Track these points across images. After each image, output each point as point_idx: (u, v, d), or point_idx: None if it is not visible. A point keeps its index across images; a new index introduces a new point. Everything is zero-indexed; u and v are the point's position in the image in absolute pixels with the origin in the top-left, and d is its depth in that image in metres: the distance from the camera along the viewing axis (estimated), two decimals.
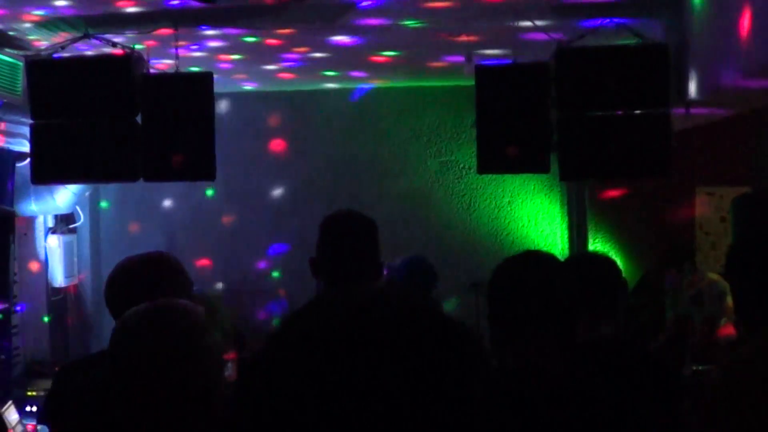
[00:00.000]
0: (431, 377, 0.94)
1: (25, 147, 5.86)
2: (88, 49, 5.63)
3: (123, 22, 5.23)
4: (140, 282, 2.73)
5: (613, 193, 7.62)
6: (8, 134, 6.16)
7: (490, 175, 7.53)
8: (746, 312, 2.82)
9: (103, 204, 8.26)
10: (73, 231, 7.76)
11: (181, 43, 5.47)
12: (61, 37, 5.43)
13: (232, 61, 6.61)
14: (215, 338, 2.00)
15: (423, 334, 0.97)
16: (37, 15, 5.09)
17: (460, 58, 6.02)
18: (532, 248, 7.90)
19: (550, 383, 2.43)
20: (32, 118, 5.44)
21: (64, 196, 7.06)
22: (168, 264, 2.88)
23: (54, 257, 7.38)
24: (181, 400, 1.88)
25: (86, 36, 5.36)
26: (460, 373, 0.96)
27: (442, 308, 2.66)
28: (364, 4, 4.90)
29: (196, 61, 6.39)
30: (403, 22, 5.35)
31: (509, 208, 8.01)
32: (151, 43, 5.59)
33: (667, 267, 6.65)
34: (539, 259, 2.66)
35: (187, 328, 1.94)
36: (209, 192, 8.08)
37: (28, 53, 5.65)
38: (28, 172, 5.67)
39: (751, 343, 2.72)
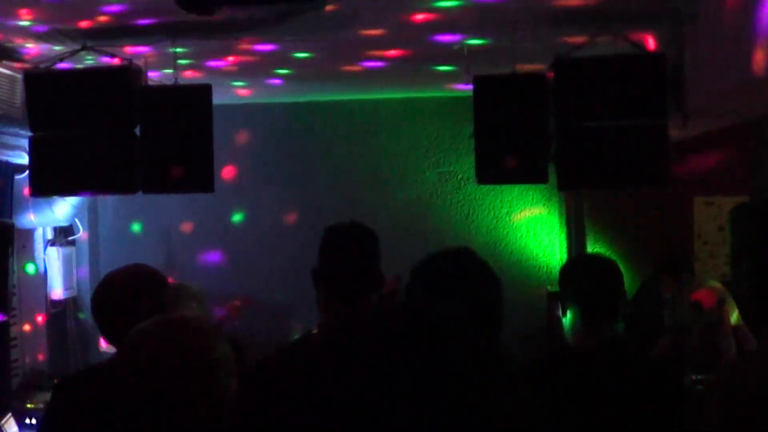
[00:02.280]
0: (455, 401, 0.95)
1: (23, 159, 5.87)
2: (86, 62, 5.64)
3: (121, 34, 5.24)
4: (124, 297, 2.73)
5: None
6: (7, 147, 6.17)
7: (488, 186, 7.54)
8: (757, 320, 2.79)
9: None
10: (72, 243, 7.76)
11: (179, 54, 5.48)
12: (59, 49, 5.44)
13: (230, 73, 6.62)
14: (226, 350, 1.99)
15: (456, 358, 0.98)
16: (35, 27, 5.10)
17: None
18: (530, 258, 7.92)
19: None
20: (31, 131, 5.45)
21: (63, 209, 7.06)
22: (149, 275, 2.87)
23: (53, 269, 7.37)
24: (194, 412, 1.87)
25: (84, 48, 5.37)
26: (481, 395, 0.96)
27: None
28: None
29: (194, 72, 6.40)
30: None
31: (508, 219, 8.01)
32: (149, 55, 5.59)
33: (663, 276, 6.66)
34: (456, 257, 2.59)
35: (200, 341, 1.93)
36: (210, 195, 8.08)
37: (27, 66, 5.66)
38: (26, 185, 5.67)
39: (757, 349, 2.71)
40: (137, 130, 5.43)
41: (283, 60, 6.18)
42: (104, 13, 4.83)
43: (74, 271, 7.66)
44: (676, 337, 6.10)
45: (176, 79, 5.57)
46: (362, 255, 3.03)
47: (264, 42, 5.57)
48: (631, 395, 3.14)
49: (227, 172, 7.87)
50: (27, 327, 7.21)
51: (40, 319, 7.38)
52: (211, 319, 2.07)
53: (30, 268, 7.33)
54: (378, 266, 3.05)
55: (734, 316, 6.09)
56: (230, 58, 6.11)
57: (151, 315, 2.18)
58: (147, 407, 1.88)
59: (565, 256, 7.80)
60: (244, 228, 8.15)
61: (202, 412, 1.89)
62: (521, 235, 7.98)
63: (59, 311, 7.58)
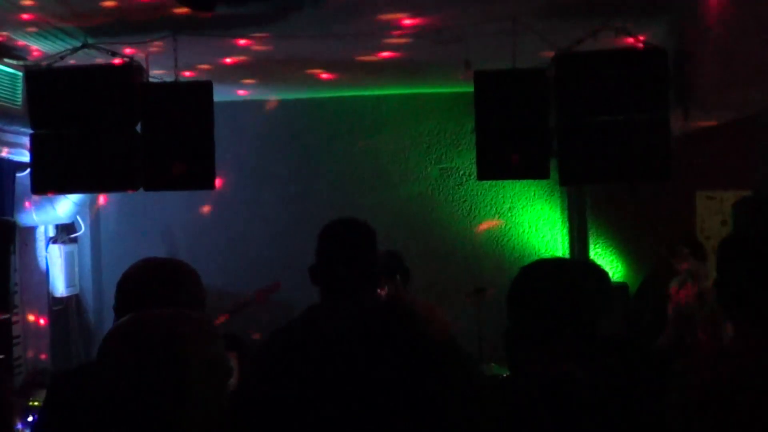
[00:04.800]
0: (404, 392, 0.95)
1: (25, 157, 5.87)
2: (88, 59, 5.64)
3: (122, 31, 5.23)
4: (150, 287, 2.67)
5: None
6: (8, 144, 6.16)
7: (490, 182, 7.53)
8: (732, 309, 2.81)
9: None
10: (74, 240, 7.76)
11: (180, 51, 5.48)
12: (60, 46, 5.43)
13: (232, 69, 6.62)
14: (218, 348, 1.94)
15: (402, 354, 0.99)
16: (37, 25, 5.10)
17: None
18: (532, 254, 7.91)
19: (580, 389, 2.45)
20: (32, 128, 5.45)
21: (65, 206, 7.06)
22: (182, 273, 2.79)
23: (55, 267, 7.38)
24: (177, 408, 1.84)
25: (86, 46, 5.37)
26: (430, 386, 0.97)
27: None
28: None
29: (195, 68, 6.40)
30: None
31: (510, 214, 8.01)
32: (150, 52, 5.59)
33: (681, 246, 6.46)
34: (560, 264, 2.79)
35: (184, 338, 1.89)
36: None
37: (28, 63, 5.65)
38: (28, 182, 5.67)
39: (737, 345, 2.71)
40: (138, 128, 5.42)
41: (286, 57, 6.18)
42: (105, 10, 4.83)
43: (76, 269, 7.67)
44: (679, 327, 6.07)
45: (177, 76, 5.57)
46: (359, 252, 3.02)
47: (264, 37, 5.57)
48: (623, 391, 3.18)
49: (229, 169, 7.86)
50: (29, 324, 7.21)
51: (42, 316, 7.38)
52: (209, 319, 2.01)
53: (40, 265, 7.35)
54: (375, 263, 3.04)
55: None
56: (230, 57, 6.11)
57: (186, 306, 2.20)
58: (127, 404, 1.84)
59: (567, 251, 7.79)
60: (246, 224, 8.15)
61: (189, 407, 1.84)
62: (523, 231, 7.97)
63: (61, 309, 7.58)
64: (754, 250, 2.78)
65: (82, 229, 7.83)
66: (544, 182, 7.39)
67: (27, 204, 6.71)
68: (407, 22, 5.25)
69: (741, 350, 2.63)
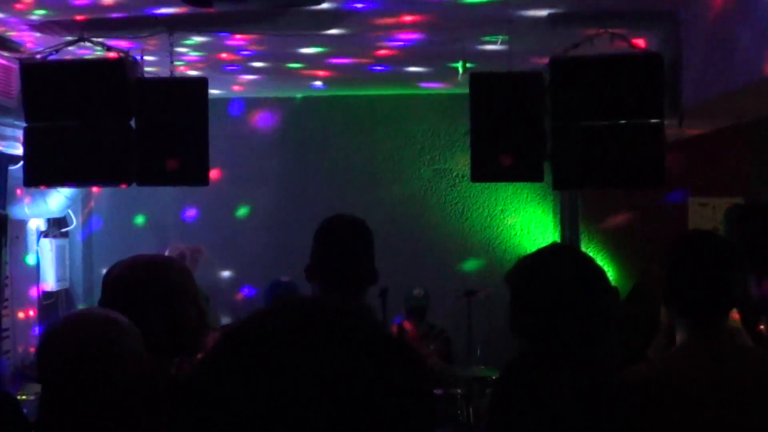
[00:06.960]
0: (353, 391, 0.96)
1: (18, 150, 5.85)
2: (83, 53, 5.63)
3: (118, 26, 5.23)
4: (138, 285, 2.65)
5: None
6: (1, 137, 6.15)
7: (483, 184, 7.54)
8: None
9: None
10: (66, 235, 7.74)
11: (176, 46, 5.47)
12: (56, 40, 5.42)
13: (227, 66, 6.61)
14: (133, 345, 2.12)
15: (351, 348, 0.99)
16: (32, 17, 5.09)
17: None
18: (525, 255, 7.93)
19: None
20: (26, 121, 5.43)
21: (57, 200, 7.04)
22: (172, 270, 2.75)
23: (46, 261, 7.35)
24: (101, 403, 2.03)
25: (81, 39, 5.35)
26: (380, 387, 0.97)
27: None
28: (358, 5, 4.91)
29: (191, 64, 6.40)
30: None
31: (502, 217, 8.02)
32: (146, 47, 5.58)
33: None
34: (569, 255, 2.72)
35: (100, 337, 2.07)
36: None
37: (23, 56, 5.64)
38: (20, 175, 5.65)
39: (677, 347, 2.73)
40: (133, 122, 5.41)
41: (284, 55, 6.18)
42: (102, 4, 4.83)
43: (67, 263, 7.64)
44: (670, 337, 6.08)
45: (172, 71, 5.56)
46: (355, 249, 3.01)
47: (261, 35, 5.57)
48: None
49: (222, 166, 7.84)
50: (18, 318, 7.19)
51: (31, 310, 7.36)
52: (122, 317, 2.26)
53: (30, 259, 7.32)
54: (372, 260, 3.03)
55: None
56: (225, 54, 6.11)
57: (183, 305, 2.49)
58: (58, 398, 2.07)
59: None
60: (238, 221, 8.14)
61: (110, 401, 2.04)
62: (515, 234, 7.98)
63: (51, 303, 7.56)
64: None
65: (74, 224, 7.81)
66: (537, 185, 7.40)
67: (18, 194, 6.69)
68: (407, 19, 5.26)
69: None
